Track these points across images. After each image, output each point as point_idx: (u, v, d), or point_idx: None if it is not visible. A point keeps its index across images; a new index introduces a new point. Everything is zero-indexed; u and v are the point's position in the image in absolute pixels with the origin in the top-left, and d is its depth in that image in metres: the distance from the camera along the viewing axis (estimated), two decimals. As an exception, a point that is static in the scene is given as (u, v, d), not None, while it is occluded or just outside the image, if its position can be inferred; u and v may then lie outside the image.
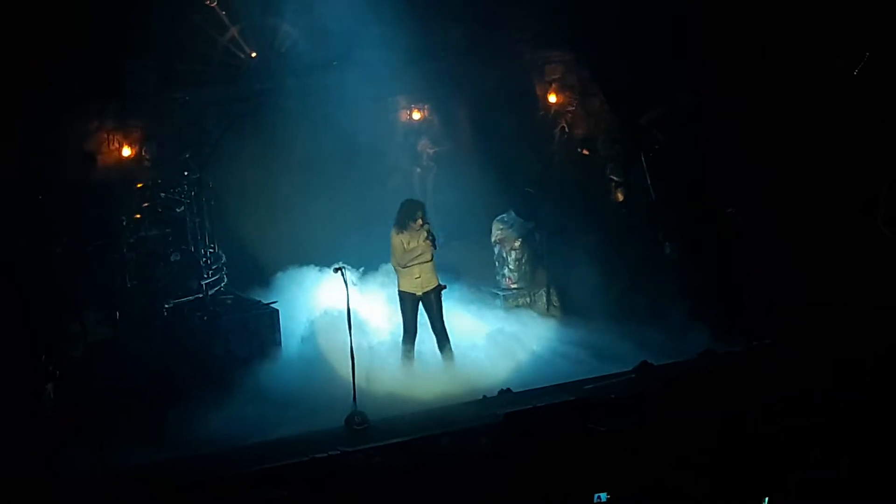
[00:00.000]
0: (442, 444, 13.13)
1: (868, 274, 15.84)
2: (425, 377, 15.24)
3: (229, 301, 16.28)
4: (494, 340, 16.51)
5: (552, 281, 18.09)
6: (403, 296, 15.72)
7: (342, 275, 14.45)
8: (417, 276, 15.62)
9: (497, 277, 18.33)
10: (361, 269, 17.23)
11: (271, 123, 17.74)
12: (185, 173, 16.22)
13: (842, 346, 14.74)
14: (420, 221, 15.57)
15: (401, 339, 15.78)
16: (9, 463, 12.66)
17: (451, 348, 15.74)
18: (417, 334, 15.74)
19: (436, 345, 15.75)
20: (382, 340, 16.07)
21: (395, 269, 15.84)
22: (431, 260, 15.68)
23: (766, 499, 11.48)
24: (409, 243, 15.60)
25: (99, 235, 15.42)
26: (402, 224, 15.64)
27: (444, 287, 15.89)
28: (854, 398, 13.40)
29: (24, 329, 14.20)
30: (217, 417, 14.17)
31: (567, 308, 17.57)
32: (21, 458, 12.81)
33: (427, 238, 15.56)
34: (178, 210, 16.07)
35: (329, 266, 15.92)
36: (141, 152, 17.01)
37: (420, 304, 15.70)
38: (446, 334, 15.74)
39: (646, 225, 17.66)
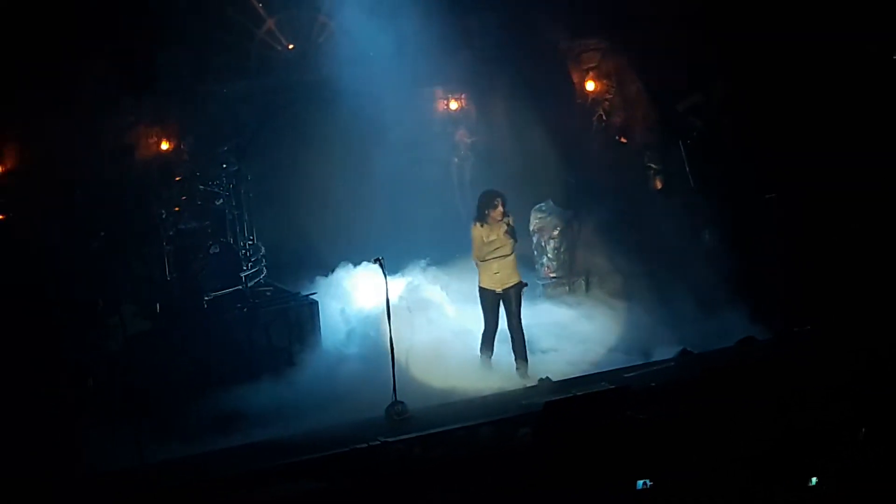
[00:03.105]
0: (482, 434, 13.13)
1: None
2: (464, 367, 15.18)
3: (269, 293, 16.32)
4: (533, 329, 16.47)
5: (591, 269, 18.05)
6: (483, 292, 15.21)
7: (381, 266, 14.39)
8: (496, 271, 15.09)
9: (536, 266, 18.27)
10: (400, 269, 17.22)
11: (309, 115, 17.78)
12: (224, 166, 16.27)
13: (884, 334, 14.63)
14: (500, 209, 15.06)
15: (480, 334, 15.36)
16: (49, 456, 12.73)
17: (525, 357, 15.18)
18: (498, 330, 15.30)
19: (510, 346, 15.23)
20: (423, 330, 16.00)
21: (476, 265, 15.30)
22: (511, 254, 15.17)
23: (814, 479, 11.43)
24: (488, 236, 15.09)
25: (138, 229, 15.46)
26: (482, 216, 15.13)
27: (526, 285, 15.43)
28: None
29: (63, 323, 14.30)
30: (256, 409, 14.19)
31: (606, 296, 17.50)
32: (61, 450, 12.88)
33: (507, 232, 15.10)
34: (216, 202, 16.12)
35: (367, 257, 15.91)
36: (179, 146, 17.06)
37: (500, 301, 15.22)
38: (522, 336, 15.20)
39: (684, 212, 17.58)
